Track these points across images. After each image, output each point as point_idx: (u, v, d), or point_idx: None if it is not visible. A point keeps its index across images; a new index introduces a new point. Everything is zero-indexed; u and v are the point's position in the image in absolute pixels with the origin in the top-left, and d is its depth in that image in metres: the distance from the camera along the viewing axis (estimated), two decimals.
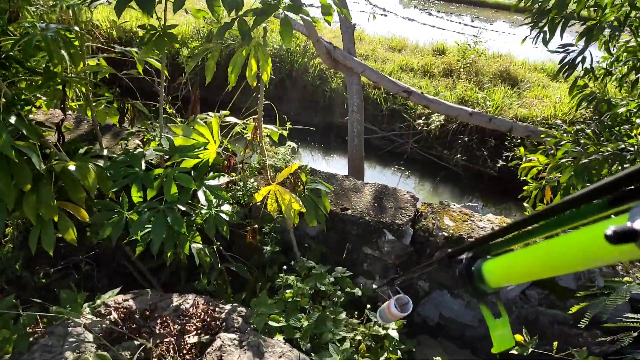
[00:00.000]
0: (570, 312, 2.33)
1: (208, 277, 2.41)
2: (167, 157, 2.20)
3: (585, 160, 3.34)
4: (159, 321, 1.98)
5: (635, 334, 1.97)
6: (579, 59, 4.06)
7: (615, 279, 2.58)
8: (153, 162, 2.29)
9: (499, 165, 8.71)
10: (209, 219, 2.19)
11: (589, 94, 4.70)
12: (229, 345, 1.87)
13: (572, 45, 4.14)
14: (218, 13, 2.05)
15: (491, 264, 0.66)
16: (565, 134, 4.43)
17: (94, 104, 2.58)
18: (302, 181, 2.51)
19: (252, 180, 2.42)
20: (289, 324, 2.05)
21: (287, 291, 2.21)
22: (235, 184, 2.53)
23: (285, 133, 2.68)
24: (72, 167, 2.00)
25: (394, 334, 2.23)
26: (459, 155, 8.33)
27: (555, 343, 2.26)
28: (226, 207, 2.25)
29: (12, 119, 1.83)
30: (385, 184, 3.10)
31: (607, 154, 3.47)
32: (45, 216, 1.97)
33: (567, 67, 4.06)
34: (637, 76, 4.19)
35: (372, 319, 2.30)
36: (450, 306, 2.87)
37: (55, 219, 2.01)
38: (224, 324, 2.03)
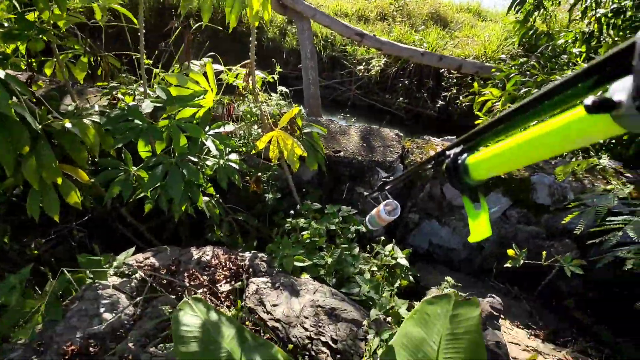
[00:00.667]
0: (565, 221, 2.57)
1: (219, 229, 2.38)
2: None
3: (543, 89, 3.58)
4: (186, 274, 1.95)
5: (620, 234, 2.24)
6: None
7: (582, 194, 2.87)
8: None
9: (438, 105, 9.08)
10: (220, 169, 2.14)
11: (530, 27, 4.97)
12: (264, 288, 1.90)
13: None
14: None
15: (476, 157, 0.67)
16: (513, 67, 4.70)
17: (61, 57, 2.36)
18: (299, 126, 2.51)
19: (255, 127, 2.36)
20: (313, 263, 2.11)
21: (304, 232, 2.25)
22: (233, 133, 2.46)
23: (276, 77, 2.62)
24: (68, 124, 1.85)
25: (403, 262, 2.36)
26: (400, 99, 8.56)
27: (544, 253, 2.51)
28: (233, 156, 2.20)
29: (1, 74, 1.64)
30: (368, 125, 3.16)
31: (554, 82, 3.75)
32: (48, 179, 1.82)
33: (518, 2, 4.26)
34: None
35: (380, 251, 2.41)
36: (439, 233, 3.07)
37: (59, 181, 1.86)
38: (250, 269, 2.04)
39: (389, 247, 2.46)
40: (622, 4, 4.55)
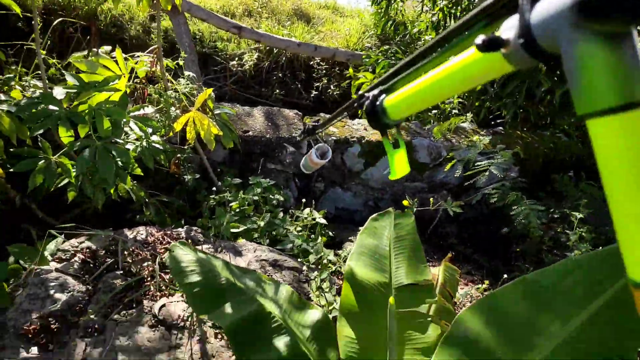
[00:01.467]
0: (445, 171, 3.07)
1: (147, 210, 2.41)
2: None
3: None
4: (126, 253, 1.99)
5: (487, 174, 2.80)
6: None
7: (452, 150, 3.45)
8: None
9: (312, 95, 9.62)
10: (145, 150, 2.19)
11: (388, 19, 5.65)
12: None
13: None
14: None
15: (392, 99, 0.72)
16: (379, 54, 5.31)
17: None
18: (210, 107, 2.65)
19: (173, 109, 2.43)
20: (247, 228, 2.29)
21: (232, 204, 2.41)
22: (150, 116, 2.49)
23: (181, 63, 2.71)
24: None
25: (321, 220, 2.64)
26: (277, 91, 8.89)
27: (431, 199, 3.01)
28: (155, 137, 2.27)
29: None
30: (269, 106, 3.38)
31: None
32: None
33: None
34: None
35: (300, 215, 2.67)
36: (343, 198, 3.43)
37: None
38: (189, 240, 2.15)
39: (307, 210, 2.73)
40: None
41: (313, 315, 1.24)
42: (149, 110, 2.21)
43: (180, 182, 2.70)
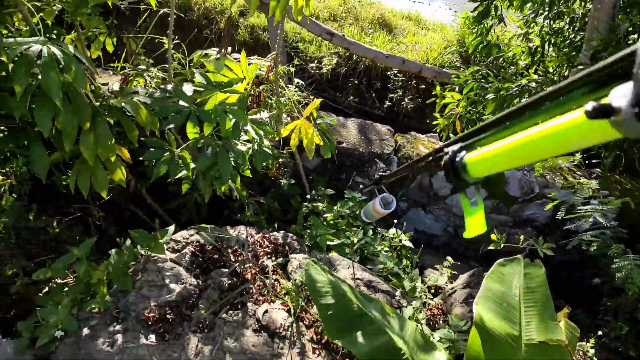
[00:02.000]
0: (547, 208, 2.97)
1: (248, 210, 2.49)
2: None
3: (506, 94, 4.05)
4: (230, 251, 2.06)
5: (591, 220, 2.67)
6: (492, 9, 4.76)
7: (545, 187, 3.32)
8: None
9: (385, 106, 9.58)
10: (256, 154, 2.26)
11: (483, 39, 5.51)
12: (305, 264, 2.07)
13: None
14: None
15: (475, 156, 0.69)
16: (469, 75, 5.19)
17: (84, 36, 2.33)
18: (314, 116, 2.68)
19: (285, 115, 2.50)
20: (341, 242, 2.31)
21: (327, 215, 2.43)
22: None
23: (292, 70, 2.77)
24: (124, 103, 1.88)
25: (407, 243, 2.62)
26: (350, 98, 8.92)
27: (522, 237, 2.90)
28: (266, 142, 2.33)
29: (71, 49, 1.66)
30: (363, 119, 3.40)
31: (514, 89, 4.25)
32: (103, 155, 1.85)
33: (483, 15, 4.74)
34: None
35: (386, 235, 2.66)
36: (424, 221, 3.39)
37: (112, 158, 1.90)
38: (286, 247, 2.20)
39: (392, 230, 2.72)
40: (560, 26, 5.20)
41: (439, 358, 1.23)
42: (264, 115, 2.27)
43: (275, 185, 2.76)
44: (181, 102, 2.06)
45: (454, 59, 10.28)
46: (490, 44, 5.63)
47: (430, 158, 0.86)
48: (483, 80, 5.28)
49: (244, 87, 2.30)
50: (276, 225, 2.57)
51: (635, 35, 3.95)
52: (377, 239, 2.47)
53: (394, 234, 2.67)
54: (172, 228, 2.09)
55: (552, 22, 5.32)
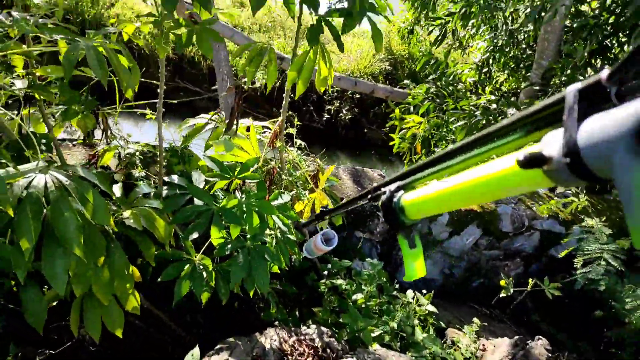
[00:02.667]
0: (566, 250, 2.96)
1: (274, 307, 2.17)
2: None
3: (473, 120, 4.07)
4: None
5: (604, 263, 2.70)
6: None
7: (534, 219, 3.36)
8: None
9: (324, 119, 9.47)
10: (281, 244, 1.97)
11: (429, 57, 5.58)
12: None
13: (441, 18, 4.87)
14: (293, 12, 1.79)
15: (410, 197, 0.69)
16: (422, 93, 5.19)
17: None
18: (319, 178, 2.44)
19: (305, 192, 2.21)
20: (381, 333, 2.09)
21: (358, 297, 2.21)
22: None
23: (293, 131, 2.50)
24: (142, 220, 1.51)
25: (431, 308, 2.48)
26: (289, 112, 8.68)
27: (531, 281, 2.89)
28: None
29: (80, 170, 1.27)
30: (352, 166, 3.19)
31: (477, 112, 4.30)
32: (119, 289, 1.47)
33: (440, 40, 4.75)
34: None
35: (405, 300, 2.50)
36: None
37: (130, 289, 1.51)
38: (328, 349, 1.94)
39: (410, 293, 2.56)
40: (501, 42, 5.38)
41: None
42: (286, 197, 1.98)
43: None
44: (197, 201, 1.72)
45: (384, 67, 10.42)
46: (438, 61, 5.69)
47: (369, 196, 0.85)
48: (438, 100, 5.33)
49: (258, 165, 1.99)
50: (297, 313, 2.28)
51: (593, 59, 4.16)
52: (411, 317, 2.28)
53: (413, 298, 2.51)
54: (196, 351, 1.74)
55: (493, 39, 5.48)
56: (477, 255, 3.40)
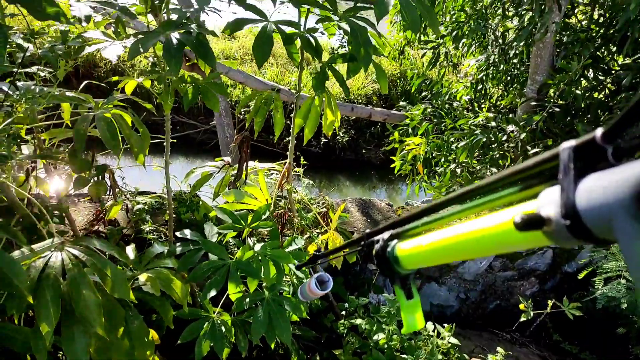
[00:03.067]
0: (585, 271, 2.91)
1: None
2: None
3: (474, 139, 4.06)
4: None
5: (624, 282, 2.66)
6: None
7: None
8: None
9: (322, 142, 9.49)
10: (296, 291, 1.93)
11: (424, 79, 5.61)
12: None
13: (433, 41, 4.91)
14: (297, 61, 1.79)
15: (404, 247, 0.66)
16: (419, 114, 5.20)
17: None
18: (330, 217, 2.41)
19: (319, 234, 2.18)
20: None
21: (380, 336, 2.15)
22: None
23: (300, 171, 2.48)
24: (159, 285, 1.47)
25: (454, 340, 2.42)
26: (286, 139, 8.71)
27: (550, 302, 2.84)
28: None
29: (97, 243, 1.24)
30: (360, 197, 3.17)
31: (477, 131, 4.29)
32: (140, 356, 1.42)
33: (433, 63, 4.78)
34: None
35: (425, 334, 2.45)
36: (438, 294, 3.22)
37: (150, 357, 1.47)
38: None
39: (430, 326, 2.51)
40: (493, 59, 5.42)
41: None
42: (300, 242, 1.95)
43: None
44: (211, 256, 1.69)
45: (377, 88, 10.48)
46: (432, 82, 5.73)
47: (362, 243, 0.82)
48: (435, 120, 5.34)
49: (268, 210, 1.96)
50: (318, 358, 2.22)
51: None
52: (435, 354, 2.23)
53: (434, 331, 2.46)
54: None
55: (486, 58, 5.53)
56: (491, 278, 3.36)
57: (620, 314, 2.91)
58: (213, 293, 1.58)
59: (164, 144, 1.89)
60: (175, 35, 1.46)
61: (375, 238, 0.74)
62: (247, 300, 1.69)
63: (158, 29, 1.51)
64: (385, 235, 0.71)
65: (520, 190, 0.46)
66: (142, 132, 1.48)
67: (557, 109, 4.15)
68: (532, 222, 0.39)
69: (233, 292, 1.67)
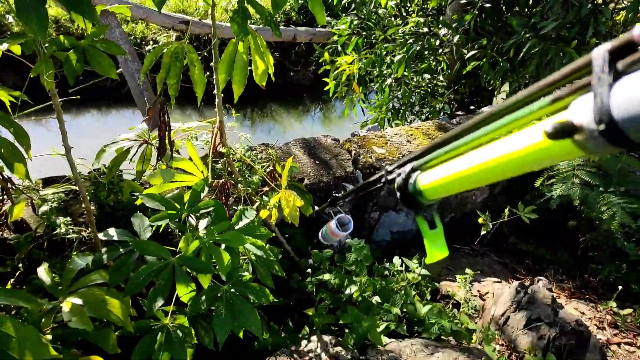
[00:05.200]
0: None
1: None
2: None
3: (409, 50, 3.83)
4: None
5: (577, 181, 2.65)
6: None
7: None
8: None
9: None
10: (258, 266, 1.71)
11: None
12: None
13: None
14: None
15: (427, 178, 0.66)
16: (347, 29, 4.84)
17: None
18: (279, 172, 2.16)
19: (271, 201, 1.89)
20: (387, 324, 1.94)
21: (352, 290, 2.02)
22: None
23: (234, 124, 2.15)
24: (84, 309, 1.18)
25: (424, 272, 2.35)
26: (208, 73, 8.09)
27: (507, 211, 2.83)
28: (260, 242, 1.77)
29: None
30: (302, 137, 2.90)
31: (409, 40, 4.05)
32: None
33: None
34: None
35: (394, 270, 2.36)
36: (397, 221, 3.14)
37: None
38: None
39: (397, 261, 2.43)
40: None
41: None
42: (250, 214, 1.68)
43: None
44: (149, 258, 1.41)
45: (296, 5, 9.78)
46: None
47: (383, 180, 0.85)
48: (365, 33, 5.00)
49: (204, 184, 1.66)
50: (290, 323, 2.06)
51: None
52: (410, 293, 2.14)
53: (403, 266, 2.38)
54: None
55: None
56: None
57: (573, 210, 2.98)
58: (160, 303, 1.31)
59: (58, 123, 1.50)
60: None
61: (396, 172, 0.73)
62: (203, 298, 1.44)
63: None
64: (407, 168, 0.71)
65: (550, 103, 0.44)
66: (16, 132, 1.10)
67: (488, 5, 3.94)
68: (564, 130, 0.38)
69: (184, 293, 1.41)
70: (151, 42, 8.02)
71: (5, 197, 1.79)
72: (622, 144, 0.34)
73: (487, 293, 2.41)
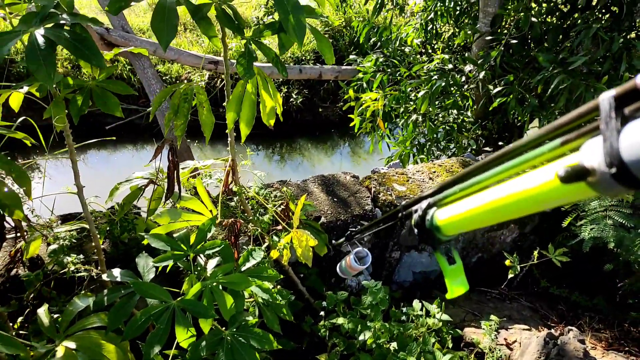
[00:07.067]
0: None
1: None
2: None
3: (432, 86, 3.79)
4: None
5: (610, 222, 2.50)
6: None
7: None
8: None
9: None
10: (265, 311, 1.65)
11: (372, 26, 5.23)
12: None
13: None
14: (218, 47, 1.43)
15: (444, 214, 0.67)
16: (372, 66, 4.86)
17: None
18: (292, 211, 2.12)
19: (282, 241, 1.86)
20: None
21: (366, 335, 1.92)
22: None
23: (248, 163, 2.15)
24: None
25: (445, 317, 2.23)
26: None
27: (536, 253, 2.68)
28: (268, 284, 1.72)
29: None
30: (321, 175, 2.87)
31: (434, 77, 4.01)
32: None
33: (379, 8, 4.40)
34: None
35: (413, 314, 2.25)
36: (419, 261, 3.03)
37: None
38: None
39: (417, 305, 2.31)
40: None
41: None
42: (258, 255, 1.64)
43: None
44: (150, 301, 1.38)
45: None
46: (379, 29, 5.33)
47: (400, 215, 0.86)
48: (389, 70, 5.01)
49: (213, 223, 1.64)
50: None
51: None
52: (428, 342, 2.03)
53: (423, 310, 2.26)
54: None
55: None
56: (470, 234, 3.18)
57: (608, 253, 2.80)
58: (158, 348, 1.27)
59: (70, 161, 1.53)
60: (40, 33, 1.08)
61: (413, 208, 0.75)
62: (203, 344, 1.39)
63: (18, 26, 1.13)
64: (423, 204, 0.73)
65: (561, 144, 0.45)
66: (17, 177, 1.11)
67: (514, 41, 3.89)
68: (576, 174, 0.39)
69: (183, 338, 1.37)
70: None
71: (16, 236, 1.83)
72: (632, 185, 0.35)
73: (514, 342, 2.26)
